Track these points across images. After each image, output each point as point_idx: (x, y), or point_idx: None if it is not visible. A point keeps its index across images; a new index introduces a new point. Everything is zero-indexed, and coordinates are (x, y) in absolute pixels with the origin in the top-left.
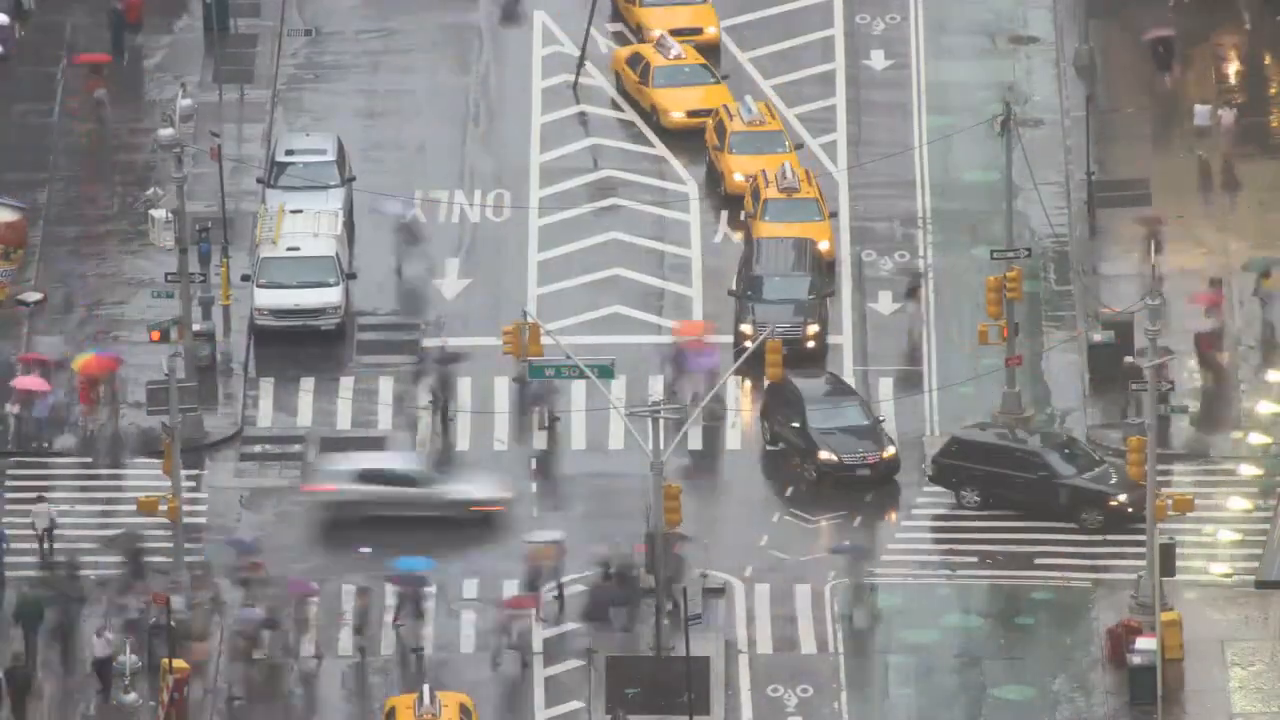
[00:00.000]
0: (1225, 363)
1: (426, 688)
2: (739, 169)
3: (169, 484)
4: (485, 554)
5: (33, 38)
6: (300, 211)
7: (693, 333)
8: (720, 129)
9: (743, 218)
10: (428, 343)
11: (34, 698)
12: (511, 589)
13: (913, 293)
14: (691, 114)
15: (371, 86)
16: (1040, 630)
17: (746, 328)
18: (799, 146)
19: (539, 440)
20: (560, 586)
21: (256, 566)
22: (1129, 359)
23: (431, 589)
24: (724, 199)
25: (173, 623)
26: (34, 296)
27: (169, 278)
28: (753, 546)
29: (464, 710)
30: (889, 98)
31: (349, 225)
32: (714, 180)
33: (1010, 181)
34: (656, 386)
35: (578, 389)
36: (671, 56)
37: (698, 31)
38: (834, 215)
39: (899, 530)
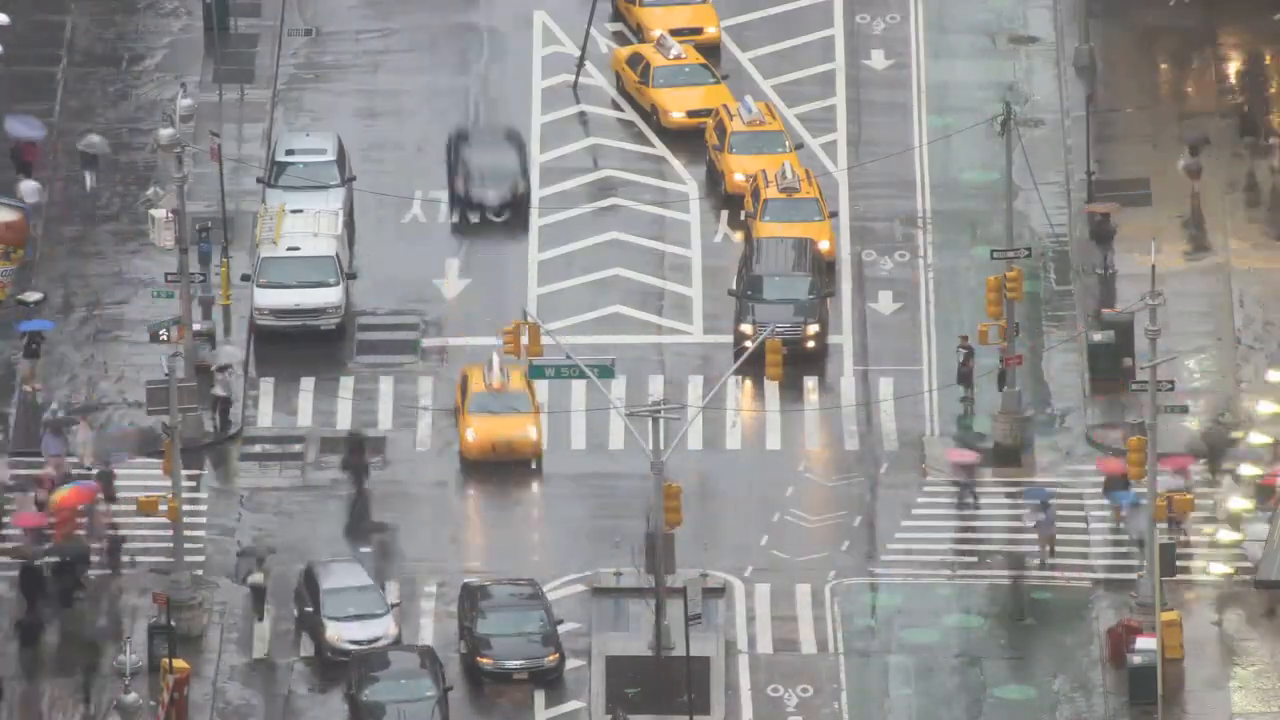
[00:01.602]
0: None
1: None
2: (739, 169)
3: (169, 484)
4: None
5: (32, 37)
6: (300, 211)
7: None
8: (720, 129)
9: (743, 217)
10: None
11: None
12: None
13: None
14: (691, 114)
15: (371, 86)
16: (1040, 630)
17: (747, 327)
18: (799, 146)
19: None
20: None
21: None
22: (1128, 360)
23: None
24: (724, 199)
25: (173, 623)
26: (34, 296)
27: (169, 278)
28: (753, 546)
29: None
30: (889, 98)
31: (349, 225)
32: (714, 180)
33: (1010, 181)
34: (656, 386)
35: (578, 389)
36: (671, 56)
37: (698, 31)
38: (834, 215)
39: (899, 530)
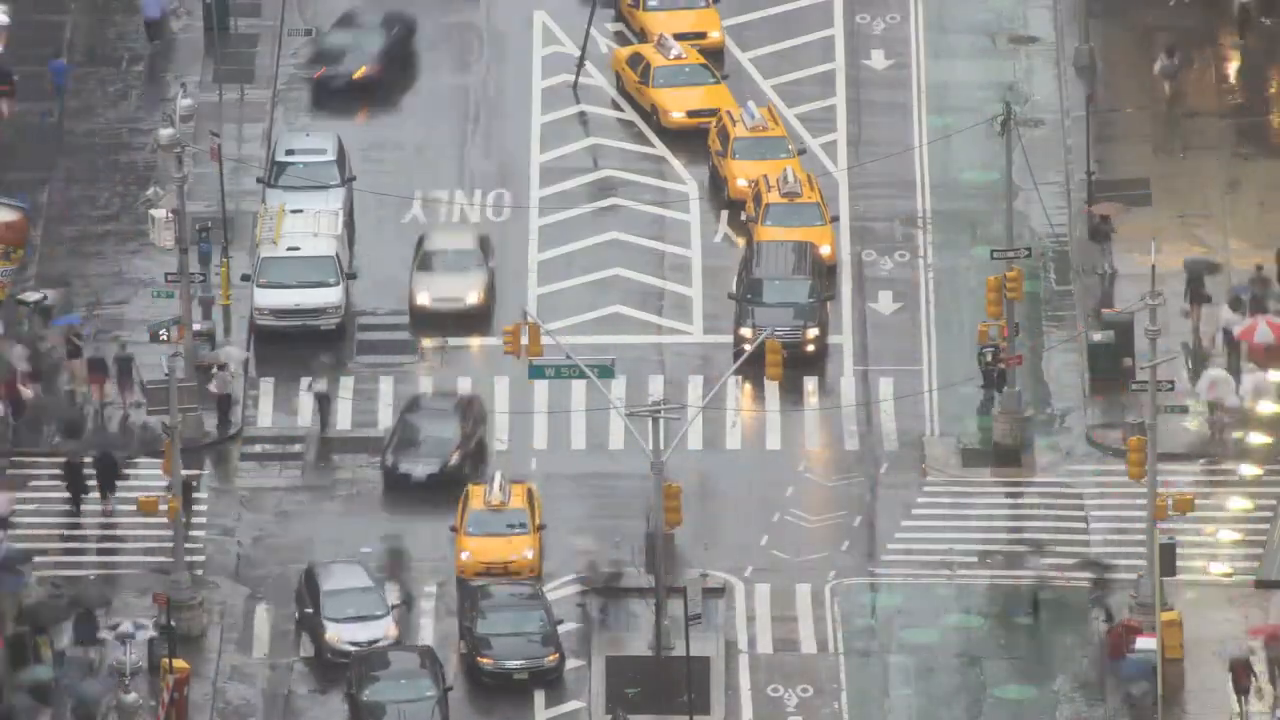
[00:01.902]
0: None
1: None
2: (742, 175)
3: (169, 484)
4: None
5: (33, 37)
6: (300, 211)
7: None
8: (723, 134)
9: (743, 218)
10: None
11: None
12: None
13: None
14: (691, 114)
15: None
16: (1040, 630)
17: (746, 331)
18: (802, 152)
19: (539, 440)
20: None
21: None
22: (1128, 360)
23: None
24: (725, 201)
25: (173, 623)
26: (34, 296)
27: (169, 278)
28: (753, 546)
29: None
30: (889, 98)
31: (349, 225)
32: (717, 185)
33: (1010, 181)
34: (656, 386)
35: (578, 389)
36: (672, 56)
37: (702, 36)
38: (835, 220)
39: (899, 530)
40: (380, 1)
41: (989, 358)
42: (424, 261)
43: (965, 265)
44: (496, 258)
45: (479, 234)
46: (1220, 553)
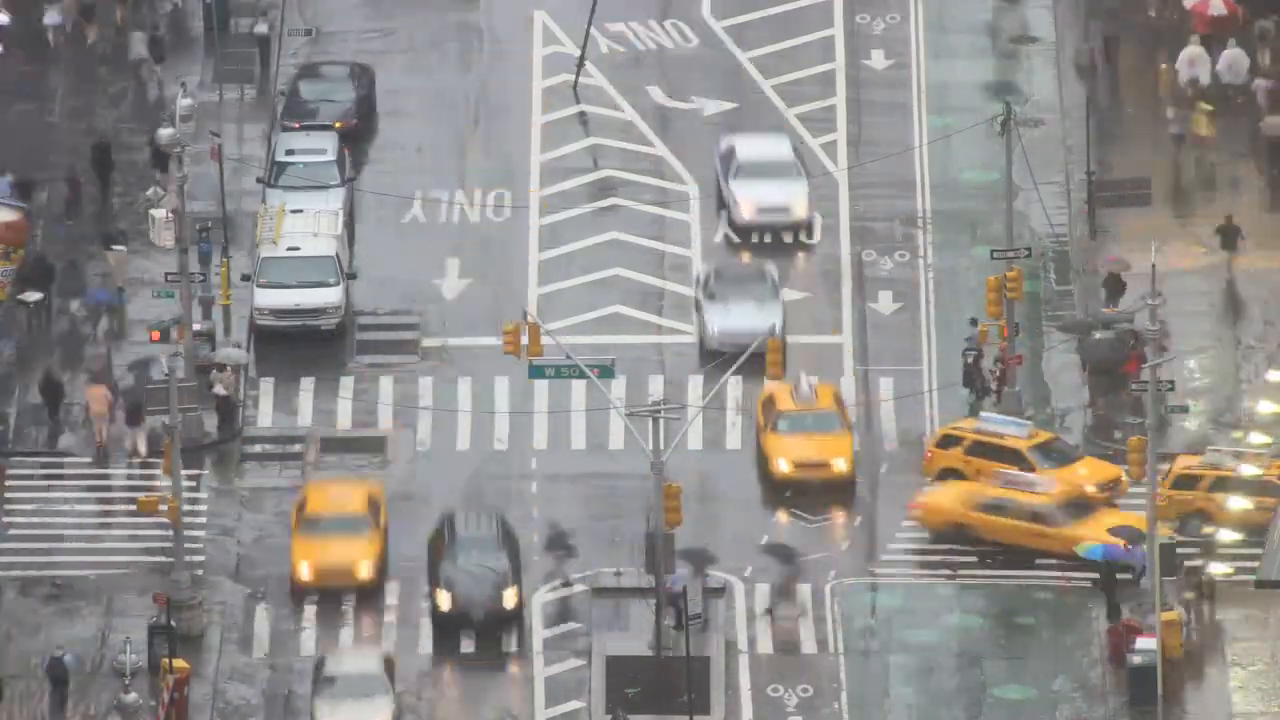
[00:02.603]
0: None
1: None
2: (782, 453)
3: (169, 484)
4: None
5: (31, 36)
6: (300, 211)
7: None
8: (769, 407)
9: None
10: None
11: None
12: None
13: None
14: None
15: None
16: (1040, 630)
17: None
18: (850, 428)
19: (539, 440)
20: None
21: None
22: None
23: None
24: (769, 482)
25: (173, 623)
26: (34, 296)
27: (169, 278)
28: (753, 546)
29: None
30: (889, 98)
31: (349, 225)
32: (762, 461)
33: (1010, 181)
34: (656, 386)
35: (578, 389)
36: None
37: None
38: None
39: (899, 530)
40: (323, 46)
41: (970, 360)
42: (323, 687)
43: (965, 265)
44: (400, 683)
45: (384, 656)
46: (1220, 553)
